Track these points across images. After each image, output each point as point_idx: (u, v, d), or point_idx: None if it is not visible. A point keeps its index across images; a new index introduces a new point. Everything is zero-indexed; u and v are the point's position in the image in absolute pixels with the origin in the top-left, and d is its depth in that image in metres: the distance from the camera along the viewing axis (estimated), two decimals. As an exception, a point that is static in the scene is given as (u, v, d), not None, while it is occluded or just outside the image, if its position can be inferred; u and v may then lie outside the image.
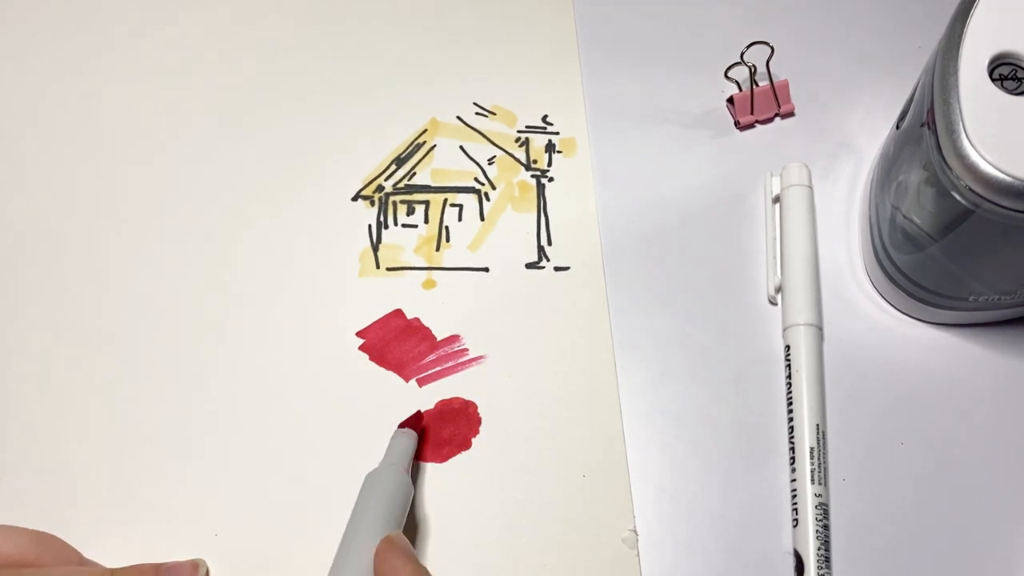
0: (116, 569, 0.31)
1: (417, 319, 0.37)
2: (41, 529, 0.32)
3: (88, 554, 0.33)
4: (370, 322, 0.37)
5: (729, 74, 0.40)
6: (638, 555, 0.33)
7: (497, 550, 0.33)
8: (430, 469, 0.34)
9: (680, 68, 0.42)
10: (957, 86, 0.30)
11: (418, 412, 0.35)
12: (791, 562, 0.32)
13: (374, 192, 0.40)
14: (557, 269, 0.38)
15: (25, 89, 0.44)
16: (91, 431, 0.35)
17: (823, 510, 0.32)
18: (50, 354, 0.37)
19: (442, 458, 0.34)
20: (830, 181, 0.39)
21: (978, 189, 0.29)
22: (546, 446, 0.34)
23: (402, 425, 0.34)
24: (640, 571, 0.32)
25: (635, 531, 0.33)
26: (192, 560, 0.32)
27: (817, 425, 0.33)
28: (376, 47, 0.44)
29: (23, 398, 0.36)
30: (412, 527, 0.33)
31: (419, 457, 0.34)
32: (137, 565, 0.32)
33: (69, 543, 0.32)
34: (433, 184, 0.40)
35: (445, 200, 0.40)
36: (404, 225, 0.39)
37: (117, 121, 0.42)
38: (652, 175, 0.40)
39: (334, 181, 0.40)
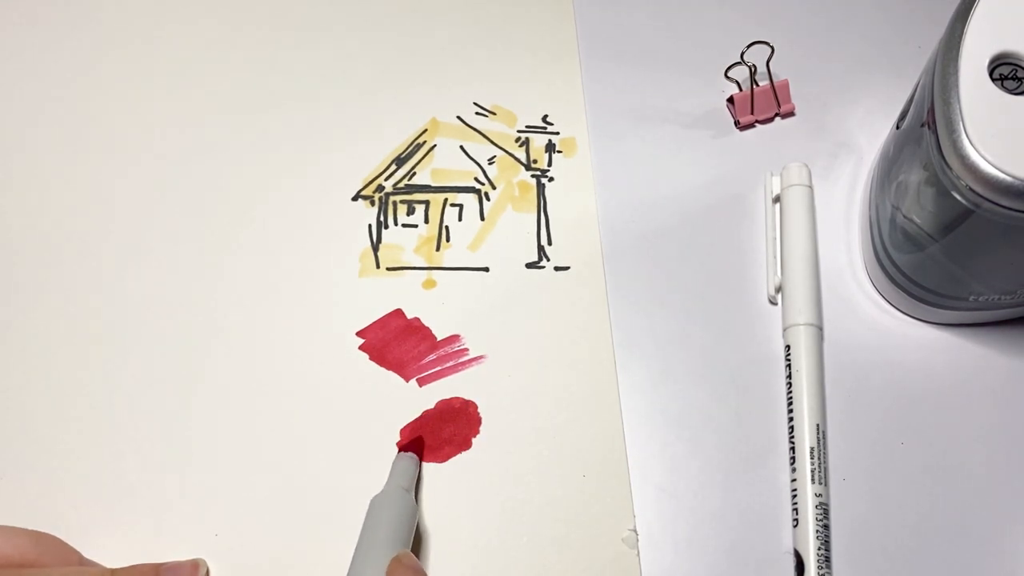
0: (116, 569, 0.31)
1: (417, 319, 0.37)
2: (41, 529, 0.32)
3: (88, 554, 0.33)
4: (370, 322, 0.37)
5: (729, 74, 0.40)
6: (638, 555, 0.33)
7: (497, 550, 0.33)
8: (430, 469, 0.34)
9: (680, 68, 0.42)
10: (957, 86, 0.30)
11: (419, 437, 0.35)
12: (791, 562, 0.32)
13: (374, 192, 0.40)
14: (557, 269, 0.38)
15: (23, 88, 0.44)
16: (91, 431, 0.35)
17: (823, 510, 0.32)
18: (50, 354, 0.37)
19: (442, 458, 0.34)
20: (830, 181, 0.40)
21: (978, 189, 0.29)
22: (546, 446, 0.35)
23: (403, 449, 0.34)
24: (640, 571, 0.32)
25: (635, 531, 0.33)
26: (192, 560, 0.32)
27: (817, 425, 0.33)
28: (376, 47, 0.44)
29: (23, 398, 0.36)
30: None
31: (419, 457, 0.34)
32: (137, 565, 0.32)
33: (69, 543, 0.32)
34: (433, 184, 0.40)
35: (445, 200, 0.40)
36: (404, 225, 0.39)
37: (115, 122, 0.42)
38: (652, 175, 0.40)
39: (334, 181, 0.40)
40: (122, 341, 0.37)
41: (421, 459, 0.34)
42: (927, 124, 0.31)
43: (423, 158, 0.41)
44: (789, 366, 0.35)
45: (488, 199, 0.40)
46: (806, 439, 0.33)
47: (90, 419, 0.36)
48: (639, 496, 0.34)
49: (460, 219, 0.39)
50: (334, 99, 0.42)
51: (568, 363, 0.36)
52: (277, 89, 0.43)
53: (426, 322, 0.37)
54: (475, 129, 0.41)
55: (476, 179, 0.40)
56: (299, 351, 0.37)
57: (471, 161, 0.41)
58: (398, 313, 0.37)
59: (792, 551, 0.32)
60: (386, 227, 0.39)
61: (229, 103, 0.43)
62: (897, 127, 0.35)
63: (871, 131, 0.40)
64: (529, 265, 0.38)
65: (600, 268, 0.38)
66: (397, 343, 0.37)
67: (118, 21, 0.45)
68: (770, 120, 0.41)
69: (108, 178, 0.41)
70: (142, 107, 0.43)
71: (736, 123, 0.41)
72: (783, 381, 0.35)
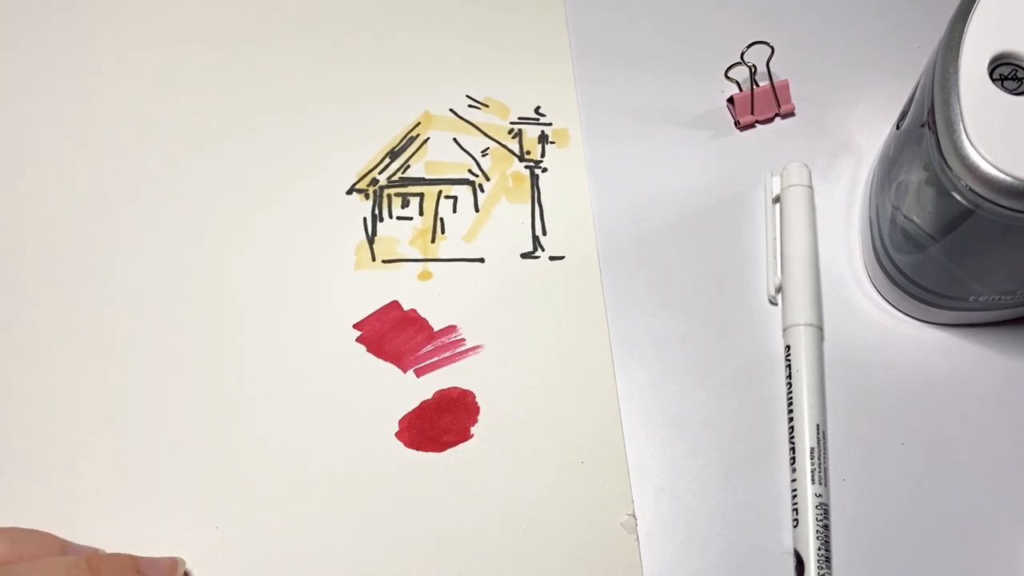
0: (92, 556, 0.32)
1: (414, 310, 0.38)
2: (41, 522, 0.32)
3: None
4: (367, 314, 0.38)
5: (729, 74, 0.41)
6: (637, 540, 0.34)
7: (497, 537, 0.34)
8: (429, 459, 0.35)
9: (679, 68, 0.43)
10: (957, 86, 0.30)
11: None
12: (791, 562, 0.33)
13: (368, 185, 0.41)
14: (552, 258, 0.39)
15: (18, 88, 0.44)
16: (90, 426, 0.36)
17: (823, 510, 0.33)
18: (48, 347, 0.38)
19: (441, 448, 0.35)
20: (830, 181, 0.41)
21: (978, 189, 0.30)
22: (544, 433, 0.36)
23: None
24: (639, 556, 0.33)
25: (633, 516, 0.34)
26: (172, 557, 0.33)
27: (817, 425, 0.34)
28: (368, 41, 0.45)
29: (21, 391, 0.37)
30: (411, 516, 0.34)
31: (418, 447, 0.36)
32: (116, 554, 0.32)
33: (68, 537, 0.33)
34: (427, 176, 0.41)
35: (439, 192, 0.41)
36: (399, 218, 0.40)
37: (110, 117, 0.43)
38: (652, 174, 0.41)
39: (328, 175, 0.41)
40: (119, 335, 0.38)
41: None
42: (927, 124, 0.32)
43: (417, 151, 0.42)
44: (789, 366, 0.36)
45: (482, 190, 0.41)
46: (806, 439, 0.34)
47: (89, 414, 0.36)
48: (639, 497, 0.34)
49: (455, 211, 0.41)
50: (327, 94, 0.43)
51: (564, 351, 0.37)
52: (269, 84, 0.44)
53: (423, 313, 0.38)
54: (468, 121, 0.43)
55: (470, 171, 0.42)
56: (296, 344, 0.38)
57: (464, 153, 0.42)
58: (394, 305, 0.38)
59: (792, 551, 0.33)
60: (381, 220, 0.40)
61: (221, 99, 0.43)
62: (897, 127, 0.36)
63: (871, 131, 0.41)
64: (524, 255, 0.39)
65: (595, 257, 0.39)
66: (394, 335, 0.38)
67: (112, 18, 0.46)
68: (770, 120, 0.42)
69: (102, 175, 0.42)
70: (136, 103, 0.43)
71: (736, 123, 0.42)
72: (783, 381, 0.36)
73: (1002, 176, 0.29)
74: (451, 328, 0.38)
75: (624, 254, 0.39)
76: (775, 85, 0.41)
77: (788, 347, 0.36)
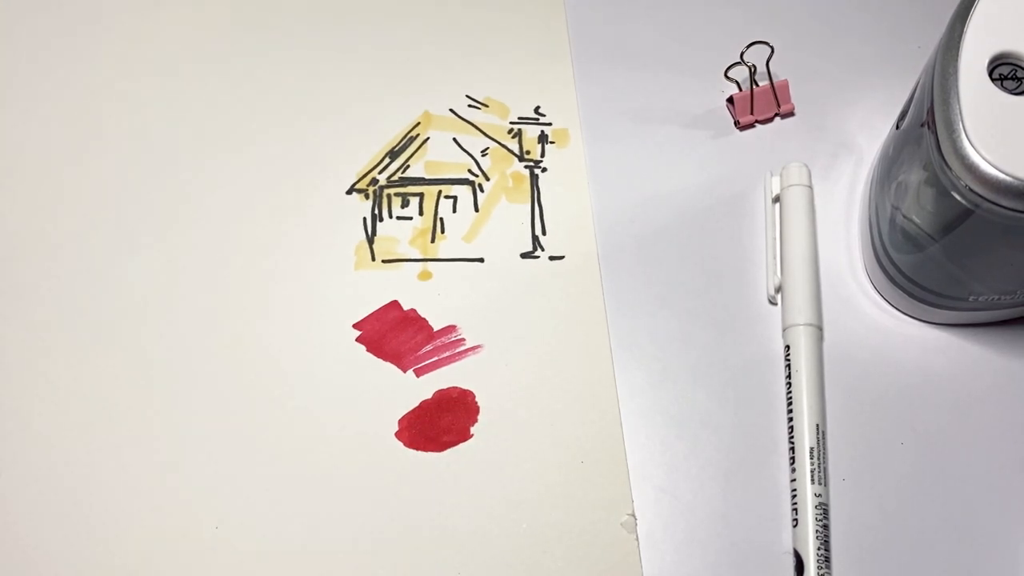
0: None
1: (413, 310, 0.39)
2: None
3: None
4: (367, 314, 0.39)
5: (729, 74, 0.41)
6: (637, 539, 0.34)
7: (496, 537, 0.34)
8: (429, 459, 0.36)
9: (679, 68, 0.44)
10: (957, 86, 0.31)
11: None
12: (791, 562, 0.33)
13: (368, 185, 0.42)
14: (552, 258, 0.40)
15: (21, 92, 0.45)
16: (90, 427, 0.37)
17: (823, 510, 0.33)
18: (49, 347, 0.38)
19: (441, 447, 0.36)
20: (830, 181, 0.41)
21: (978, 189, 0.30)
22: (544, 433, 0.36)
23: None
24: (639, 555, 0.34)
25: (633, 515, 0.35)
26: None
27: (817, 425, 0.35)
28: (368, 40, 0.45)
29: (20, 391, 0.37)
30: (410, 516, 0.35)
31: (418, 447, 0.36)
32: None
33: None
34: (427, 176, 0.42)
35: (439, 192, 0.41)
36: (399, 217, 0.41)
37: (108, 118, 0.44)
38: (651, 175, 0.41)
39: (328, 175, 0.42)
40: (119, 336, 0.38)
41: None
42: (927, 124, 0.32)
43: (416, 151, 0.42)
44: (789, 366, 0.36)
45: (482, 190, 0.42)
46: (806, 439, 0.34)
47: (89, 414, 0.37)
48: (639, 497, 0.35)
49: (454, 211, 0.41)
50: (327, 93, 0.44)
51: (564, 351, 0.38)
52: (269, 85, 0.44)
53: (422, 313, 0.39)
54: (468, 121, 0.43)
55: (470, 171, 0.42)
56: (297, 344, 0.38)
57: (464, 153, 0.42)
58: (394, 305, 0.39)
59: (792, 551, 0.33)
60: (381, 220, 0.41)
61: (222, 100, 0.44)
62: (897, 127, 0.36)
63: (871, 131, 0.42)
64: (524, 255, 0.40)
65: (595, 257, 0.40)
66: (394, 334, 0.38)
67: (112, 19, 0.46)
68: (770, 120, 0.42)
69: (101, 175, 0.42)
70: (134, 102, 0.44)
71: (736, 123, 0.42)
72: (783, 381, 0.37)
73: (1002, 176, 0.30)
74: (451, 328, 0.38)
75: (624, 254, 0.40)
76: (775, 85, 0.42)
77: (788, 347, 0.37)
